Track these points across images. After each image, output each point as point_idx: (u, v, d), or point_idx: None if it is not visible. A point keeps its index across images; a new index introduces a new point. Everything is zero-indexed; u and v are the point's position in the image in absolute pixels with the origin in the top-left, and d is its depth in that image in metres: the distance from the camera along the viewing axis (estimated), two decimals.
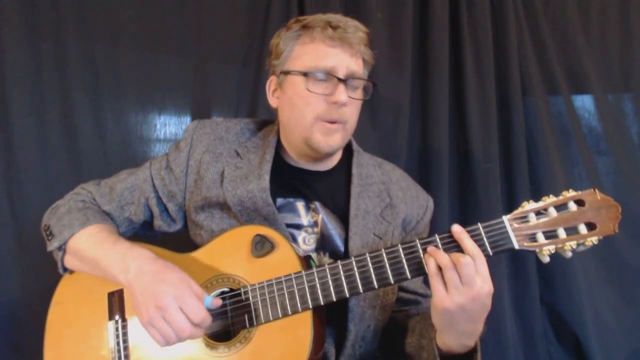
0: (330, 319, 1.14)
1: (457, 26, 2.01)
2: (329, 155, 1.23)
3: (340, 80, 1.14)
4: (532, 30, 2.06)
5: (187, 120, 1.84)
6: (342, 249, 1.22)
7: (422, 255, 0.99)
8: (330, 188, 1.27)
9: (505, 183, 2.01)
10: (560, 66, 2.06)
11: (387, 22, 1.97)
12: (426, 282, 1.32)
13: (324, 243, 1.22)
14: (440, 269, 0.95)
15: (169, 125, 1.81)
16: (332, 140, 1.17)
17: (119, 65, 1.74)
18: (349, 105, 1.16)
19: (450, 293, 0.93)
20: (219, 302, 1.03)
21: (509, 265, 1.99)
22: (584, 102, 2.12)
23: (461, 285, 0.92)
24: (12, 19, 1.61)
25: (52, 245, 1.17)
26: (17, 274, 1.61)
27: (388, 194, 1.29)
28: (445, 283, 0.93)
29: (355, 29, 1.16)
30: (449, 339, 1.00)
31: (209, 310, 1.01)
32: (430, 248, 0.97)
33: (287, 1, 1.86)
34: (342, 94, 1.13)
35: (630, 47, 2.11)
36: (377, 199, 1.27)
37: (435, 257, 0.95)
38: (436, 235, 1.00)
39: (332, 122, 1.16)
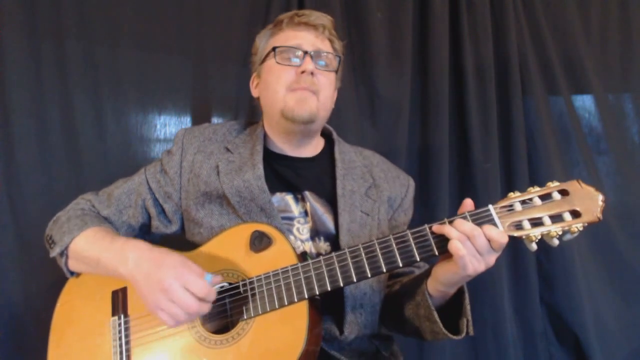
0: (326, 297, 1.14)
1: (457, 26, 2.01)
2: (305, 123, 1.26)
3: (307, 53, 1.25)
4: (532, 30, 2.06)
5: (187, 120, 1.84)
6: (333, 230, 1.26)
7: (413, 244, 1.03)
8: (316, 173, 1.33)
9: (505, 183, 2.01)
10: (560, 66, 2.06)
11: (387, 22, 1.98)
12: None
13: (317, 230, 1.26)
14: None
15: (169, 125, 1.81)
16: (307, 105, 1.24)
17: (119, 65, 1.74)
18: (319, 76, 1.26)
19: (479, 258, 0.99)
20: (219, 278, 1.06)
21: (509, 265, 1.99)
22: (584, 102, 2.12)
23: (479, 255, 0.99)
24: (12, 19, 1.61)
25: (54, 252, 1.20)
26: (18, 274, 1.61)
27: (371, 175, 1.36)
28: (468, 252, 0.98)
29: (320, 16, 1.30)
30: (447, 288, 1.09)
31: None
32: (458, 221, 1.01)
33: (287, 1, 1.86)
34: (309, 63, 1.24)
35: (630, 47, 2.12)
36: (361, 180, 1.33)
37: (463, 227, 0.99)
38: (425, 226, 1.03)
39: (305, 91, 1.24)
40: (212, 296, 1.03)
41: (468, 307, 1.12)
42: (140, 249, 1.09)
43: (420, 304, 1.13)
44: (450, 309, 1.13)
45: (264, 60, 1.31)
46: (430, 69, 1.99)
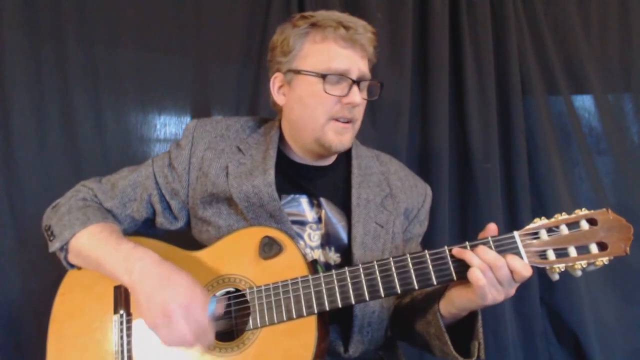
0: (334, 311, 1.12)
1: (457, 26, 2.01)
2: (338, 152, 1.25)
3: (354, 82, 1.16)
4: (532, 30, 2.06)
5: (187, 120, 1.83)
6: (346, 241, 1.22)
7: (430, 267, 1.00)
8: (332, 181, 1.28)
9: (505, 183, 2.01)
10: (560, 66, 2.06)
11: (387, 22, 1.97)
12: None
13: (329, 238, 1.23)
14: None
15: (169, 125, 1.81)
16: (345, 139, 1.20)
17: (119, 65, 1.74)
18: (360, 105, 1.20)
19: (500, 289, 0.96)
20: (221, 308, 1.04)
21: None
22: (584, 102, 2.12)
23: (512, 281, 0.96)
24: (12, 19, 1.61)
25: (53, 247, 1.17)
26: (17, 274, 1.61)
27: (388, 184, 1.31)
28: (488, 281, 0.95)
29: (365, 30, 1.18)
30: (461, 312, 1.05)
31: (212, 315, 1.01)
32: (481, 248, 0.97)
33: (287, 1, 1.86)
34: (356, 95, 1.16)
35: (630, 47, 2.11)
36: (377, 189, 1.28)
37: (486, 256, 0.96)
38: (445, 248, 1.00)
39: (345, 122, 1.19)
40: (211, 336, 1.00)
41: (481, 330, 1.07)
42: (147, 259, 1.04)
43: (431, 323, 1.10)
44: (461, 327, 1.09)
45: (300, 71, 1.18)
46: (430, 69, 1.98)
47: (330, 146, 1.19)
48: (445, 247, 0.99)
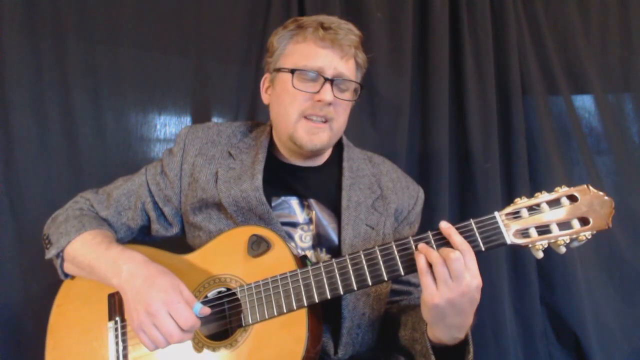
0: (325, 312, 1.14)
1: (457, 26, 2.01)
2: (314, 152, 1.24)
3: (327, 79, 1.16)
4: (532, 30, 2.06)
5: (187, 120, 1.84)
6: (336, 242, 1.23)
7: (415, 251, 0.99)
8: (323, 183, 1.29)
9: (505, 183, 2.01)
10: (560, 66, 2.06)
11: (387, 22, 1.98)
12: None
13: (320, 239, 1.24)
14: (430, 265, 0.95)
15: (169, 125, 1.81)
16: (317, 139, 1.19)
17: (119, 65, 1.74)
18: (336, 105, 1.19)
19: (440, 289, 0.94)
20: (207, 310, 1.03)
21: (509, 265, 1.99)
22: (584, 102, 2.12)
23: (450, 281, 0.93)
24: (12, 19, 1.61)
25: (50, 253, 1.19)
26: (17, 274, 1.61)
27: (379, 185, 1.31)
28: (435, 279, 0.95)
29: (347, 32, 1.19)
30: (439, 332, 1.02)
31: (198, 317, 1.01)
32: (420, 245, 0.98)
33: (287, 1, 1.86)
34: (327, 93, 1.16)
35: (630, 47, 2.12)
36: (368, 191, 1.29)
37: (425, 254, 0.96)
38: (429, 232, 1.00)
39: (319, 122, 1.18)
40: (197, 327, 1.01)
41: (470, 356, 1.03)
42: (135, 261, 1.06)
43: (418, 341, 1.09)
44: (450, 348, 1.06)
45: (279, 69, 1.21)
46: (430, 69, 1.98)
47: (302, 144, 1.19)
48: (429, 232, 0.99)
